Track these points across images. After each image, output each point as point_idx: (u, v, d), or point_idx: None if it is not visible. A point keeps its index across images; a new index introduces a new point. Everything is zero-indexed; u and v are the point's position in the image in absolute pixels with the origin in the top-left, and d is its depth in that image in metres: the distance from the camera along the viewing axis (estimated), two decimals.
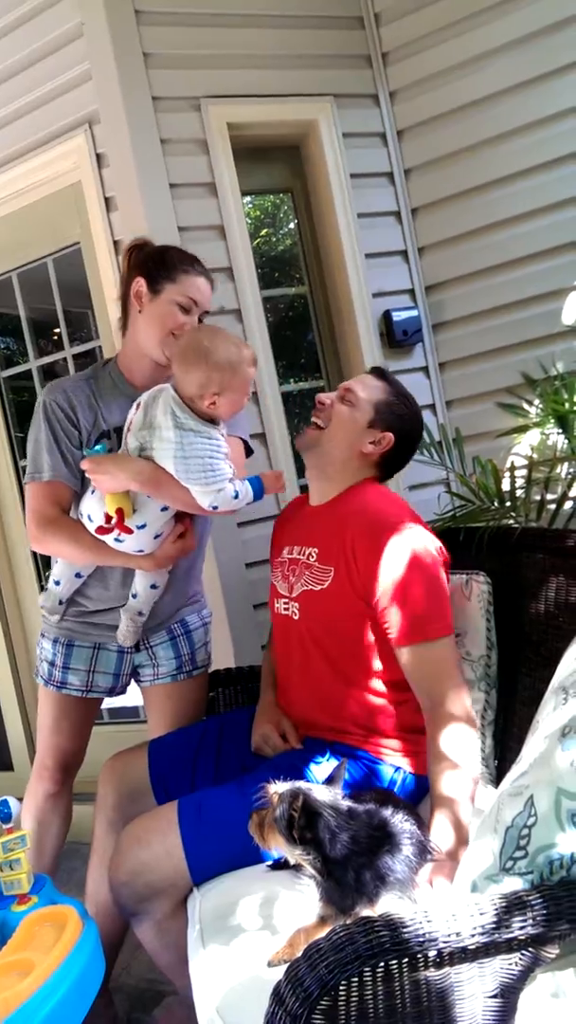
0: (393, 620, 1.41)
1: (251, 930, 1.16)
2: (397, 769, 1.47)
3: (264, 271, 2.49)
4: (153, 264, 1.65)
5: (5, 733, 2.93)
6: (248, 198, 2.77)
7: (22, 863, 1.31)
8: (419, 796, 1.49)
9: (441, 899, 1.08)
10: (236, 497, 1.54)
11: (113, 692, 1.86)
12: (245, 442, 1.75)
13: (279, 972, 0.88)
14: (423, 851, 1.16)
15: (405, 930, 0.83)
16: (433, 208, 2.58)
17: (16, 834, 1.32)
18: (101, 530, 1.58)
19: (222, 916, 1.21)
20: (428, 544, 1.46)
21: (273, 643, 1.71)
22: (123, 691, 1.89)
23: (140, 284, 1.64)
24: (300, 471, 2.54)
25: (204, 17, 2.38)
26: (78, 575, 1.73)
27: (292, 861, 1.12)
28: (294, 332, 2.90)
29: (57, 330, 2.76)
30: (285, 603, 1.59)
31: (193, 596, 1.87)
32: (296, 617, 1.55)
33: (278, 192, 2.78)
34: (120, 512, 1.55)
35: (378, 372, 1.66)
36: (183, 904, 1.37)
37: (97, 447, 1.63)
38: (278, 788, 1.11)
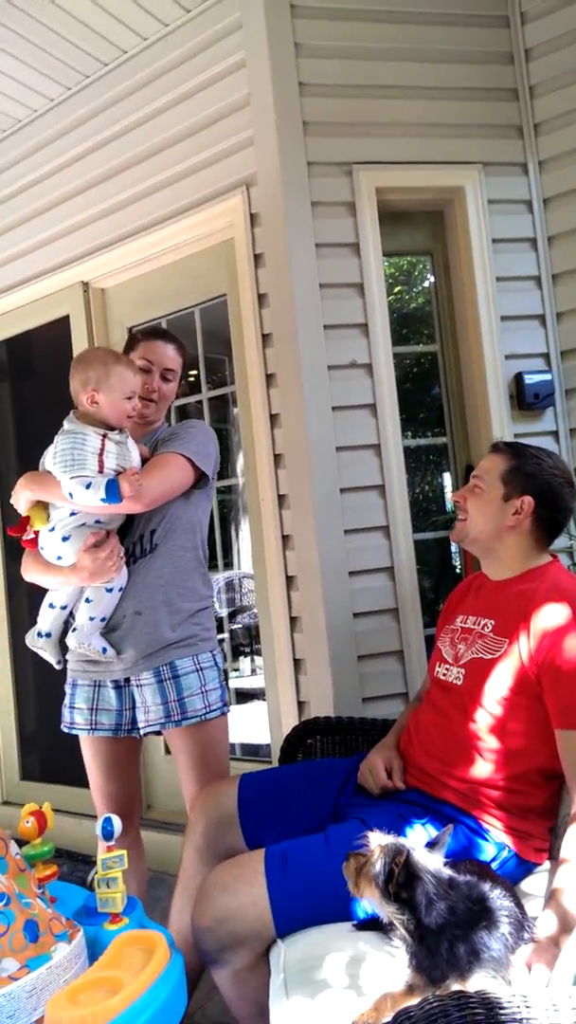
0: (557, 702, 1.40)
1: (336, 987, 1.14)
2: (501, 847, 1.42)
3: (393, 327, 2.55)
4: (127, 343, 2.03)
5: None
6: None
7: (118, 882, 1.34)
8: (519, 879, 1.43)
9: (539, 986, 1.03)
10: (88, 487, 1.64)
11: (119, 730, 1.86)
12: (192, 463, 1.83)
13: None
14: (521, 931, 1.11)
15: (502, 1011, 0.80)
16: (575, 275, 2.56)
17: (115, 853, 1.35)
18: (13, 533, 1.80)
19: (307, 969, 1.20)
20: None
21: (422, 702, 1.70)
22: (132, 728, 1.87)
23: None
24: (416, 526, 2.54)
25: (363, 89, 2.51)
26: (51, 605, 1.86)
27: (384, 917, 1.10)
28: (417, 388, 2.92)
29: (194, 373, 2.91)
30: (447, 668, 1.60)
31: (188, 638, 1.85)
32: (459, 683, 1.54)
33: (419, 254, 2.85)
34: (27, 519, 1.77)
35: (495, 447, 1.68)
36: (264, 955, 1.36)
37: None
38: (381, 840, 1.10)
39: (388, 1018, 0.86)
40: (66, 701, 1.91)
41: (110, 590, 1.80)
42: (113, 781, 1.92)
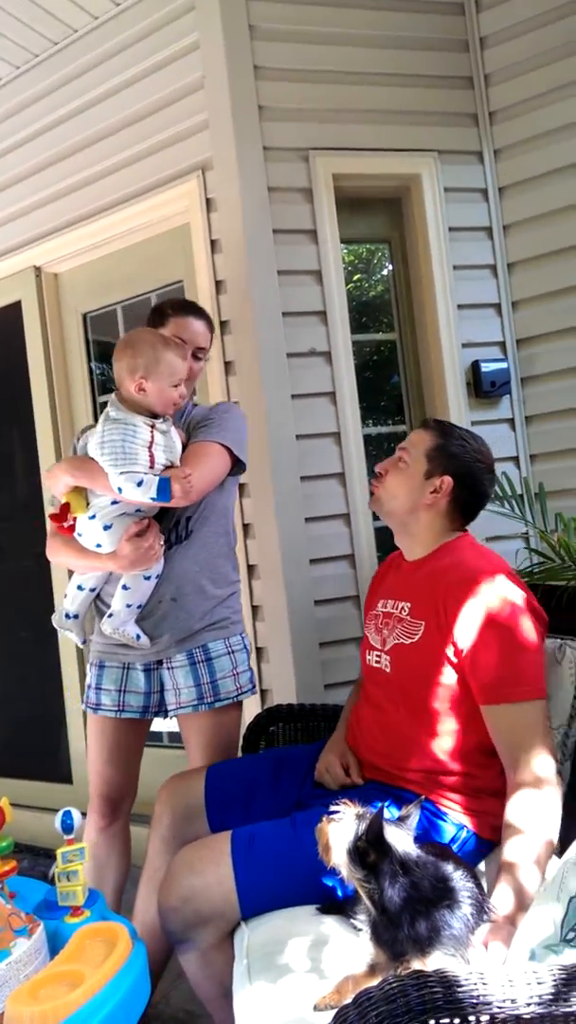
0: (477, 678, 1.40)
1: (299, 971, 1.15)
2: (460, 827, 1.44)
3: (352, 315, 2.55)
4: (152, 316, 1.93)
5: (68, 746, 3.00)
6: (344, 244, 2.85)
7: (79, 875, 1.33)
8: (478, 858, 1.45)
9: (496, 963, 1.05)
10: (139, 485, 1.61)
11: (147, 712, 1.88)
12: (231, 451, 1.81)
13: (324, 1017, 0.87)
14: (481, 913, 1.13)
15: (459, 989, 0.82)
16: (530, 264, 2.59)
17: (76, 846, 1.34)
18: (54, 520, 1.73)
19: (270, 953, 1.21)
20: (522, 603, 1.44)
21: (360, 690, 1.70)
22: (159, 711, 1.90)
23: None
24: (376, 514, 2.55)
25: (318, 73, 2.49)
26: (80, 587, 1.84)
27: (350, 885, 1.11)
28: (377, 376, 2.93)
29: None
30: (377, 656, 1.60)
31: (220, 621, 1.86)
32: (388, 670, 1.55)
33: (376, 242, 2.85)
34: (67, 505, 1.70)
35: (425, 423, 1.69)
36: (229, 936, 1.37)
37: None
38: (359, 809, 1.11)
39: (349, 999, 0.87)
40: (90, 681, 1.89)
41: (148, 578, 1.78)
42: (112, 765, 1.90)
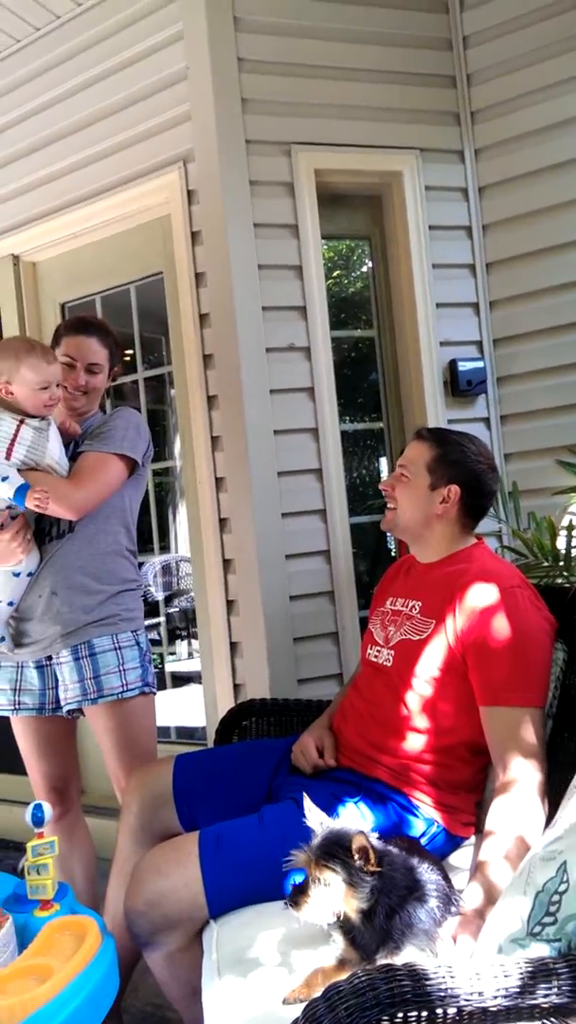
0: (482, 678, 1.42)
1: (268, 965, 1.15)
2: (430, 822, 1.45)
3: (332, 311, 2.55)
4: (53, 337, 2.00)
5: None
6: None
7: (49, 869, 1.32)
8: (447, 853, 1.47)
9: (464, 956, 1.07)
10: (4, 480, 1.66)
11: (43, 709, 1.86)
12: (127, 457, 1.85)
13: (294, 1010, 0.87)
14: (448, 905, 1.14)
15: (428, 982, 0.82)
16: (508, 264, 2.61)
17: (46, 839, 1.34)
18: None
19: (239, 948, 1.21)
20: (532, 611, 1.46)
21: (354, 685, 1.71)
22: (57, 707, 1.86)
23: None
24: (352, 510, 2.56)
25: (302, 68, 2.48)
26: None
27: (342, 914, 1.08)
28: (355, 373, 2.94)
29: (130, 352, 2.86)
30: (377, 651, 1.62)
31: (108, 618, 1.84)
32: (389, 664, 1.56)
33: (357, 238, 2.86)
34: None
35: (420, 434, 1.69)
36: (197, 937, 1.36)
37: None
38: (306, 852, 1.09)
39: (319, 993, 0.88)
40: None
41: (17, 574, 1.77)
42: (46, 761, 1.90)
